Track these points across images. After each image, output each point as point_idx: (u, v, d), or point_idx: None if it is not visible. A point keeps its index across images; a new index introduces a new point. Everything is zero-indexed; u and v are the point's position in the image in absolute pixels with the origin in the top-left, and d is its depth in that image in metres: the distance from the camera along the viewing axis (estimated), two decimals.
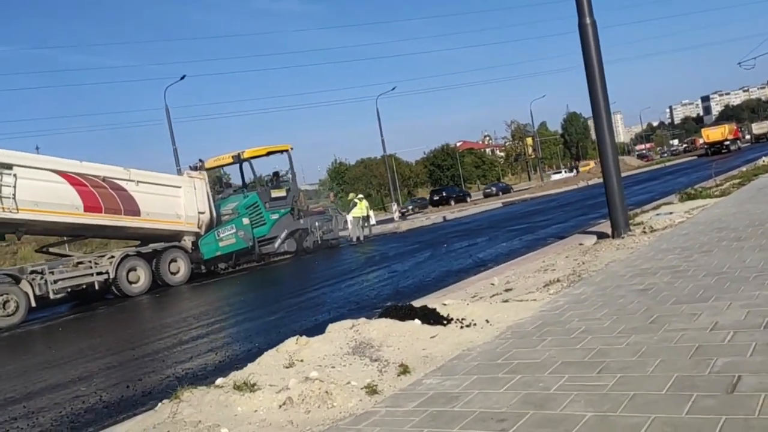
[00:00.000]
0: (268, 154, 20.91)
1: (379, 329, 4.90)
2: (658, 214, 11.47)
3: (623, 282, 5.82)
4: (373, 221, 34.12)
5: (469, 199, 53.78)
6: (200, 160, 19.12)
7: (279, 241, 19.45)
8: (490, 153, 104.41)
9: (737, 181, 16.34)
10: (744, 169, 21.21)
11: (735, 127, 56.34)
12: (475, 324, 5.02)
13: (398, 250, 17.01)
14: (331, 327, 5.18)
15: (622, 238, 9.46)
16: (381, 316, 5.33)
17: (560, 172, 75.45)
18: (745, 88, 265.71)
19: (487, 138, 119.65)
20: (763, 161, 21.76)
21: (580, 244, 10.14)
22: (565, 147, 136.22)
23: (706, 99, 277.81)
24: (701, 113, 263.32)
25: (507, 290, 7.11)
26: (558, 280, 6.73)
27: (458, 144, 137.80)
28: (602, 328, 4.26)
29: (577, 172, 60.90)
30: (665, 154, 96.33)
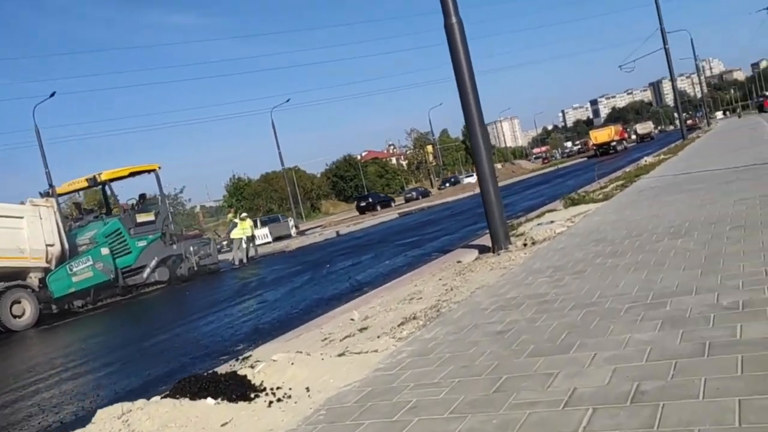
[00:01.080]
0: (132, 174, 18.90)
1: (156, 417, 3.65)
2: (539, 224, 10.83)
3: (482, 319, 4.87)
4: (268, 239, 32.62)
5: (393, 204, 53.56)
6: (50, 185, 16.99)
7: (148, 270, 17.59)
8: (394, 162, 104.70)
9: (621, 182, 16.21)
10: (628, 169, 21.43)
11: (621, 128, 58.80)
12: (289, 396, 3.88)
13: (279, 273, 15.73)
14: (98, 415, 3.89)
15: (498, 255, 8.67)
16: (172, 391, 4.08)
17: (472, 175, 76.06)
18: (629, 91, 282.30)
19: (392, 147, 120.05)
20: (645, 161, 22.09)
21: (458, 262, 9.29)
22: (467, 153, 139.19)
23: (594, 102, 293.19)
24: (591, 116, 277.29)
25: (362, 329, 6.06)
26: (415, 317, 5.73)
27: (364, 154, 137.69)
28: (435, 403, 3.22)
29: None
30: (561, 156, 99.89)
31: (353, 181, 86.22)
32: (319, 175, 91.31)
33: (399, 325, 5.64)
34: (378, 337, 5.49)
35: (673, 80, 36.36)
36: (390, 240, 18.37)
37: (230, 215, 23.40)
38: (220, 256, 20.97)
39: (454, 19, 9.60)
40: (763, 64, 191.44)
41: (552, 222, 10.69)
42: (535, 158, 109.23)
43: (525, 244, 9.76)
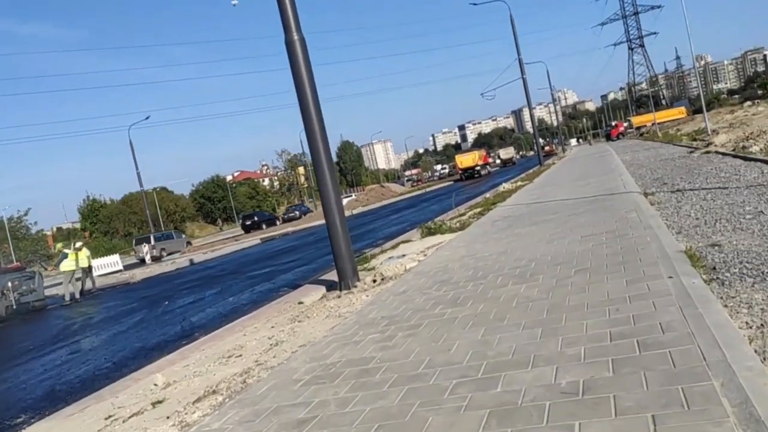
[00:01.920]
0: None
1: None
2: (390, 258, 10.15)
3: (287, 399, 3.94)
4: (118, 266, 29.85)
5: (278, 222, 51.92)
6: None
7: None
8: (268, 182, 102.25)
9: (479, 210, 16.06)
10: (488, 195, 21.59)
11: (484, 153, 60.83)
12: None
13: (110, 312, 13.96)
14: None
15: (339, 297, 7.82)
16: None
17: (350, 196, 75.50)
18: (494, 117, 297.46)
19: (265, 167, 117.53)
20: (503, 187, 22.39)
21: (300, 303, 8.37)
22: (341, 175, 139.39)
23: (462, 127, 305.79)
24: (459, 140, 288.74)
25: (158, 402, 4.97)
26: (216, 390, 4.69)
27: (236, 174, 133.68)
28: None
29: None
30: (436, 178, 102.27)
31: (222, 203, 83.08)
32: (187, 196, 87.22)
33: (195, 402, 4.58)
34: (167, 417, 4.42)
35: (530, 109, 37.97)
36: (243, 271, 17.07)
37: (59, 245, 20.81)
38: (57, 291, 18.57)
39: (295, 36, 8.79)
40: (610, 96, 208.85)
41: (404, 256, 10.04)
42: (407, 180, 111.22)
43: (374, 281, 9.04)
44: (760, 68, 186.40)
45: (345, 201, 54.87)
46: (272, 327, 7.05)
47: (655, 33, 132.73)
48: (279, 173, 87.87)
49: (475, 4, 38.27)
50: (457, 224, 13.44)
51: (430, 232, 12.81)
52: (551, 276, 5.72)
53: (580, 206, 10.80)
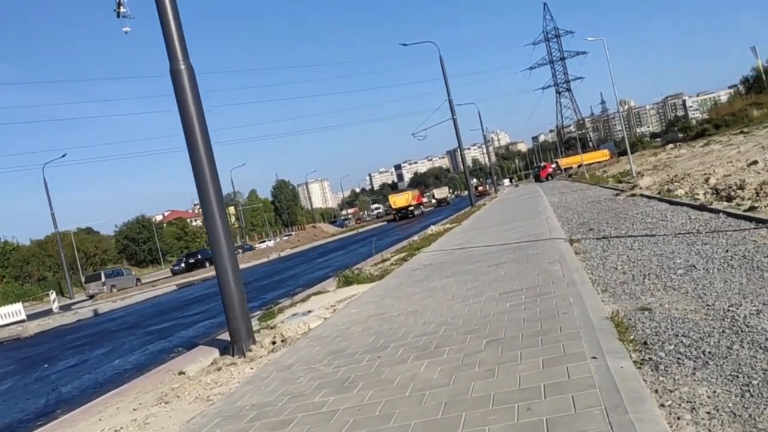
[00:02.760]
0: None
1: None
2: (295, 315, 9.05)
3: None
4: (21, 316, 27.39)
5: (207, 264, 47.97)
6: None
7: None
8: (199, 223, 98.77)
9: (403, 254, 15.18)
10: (416, 238, 20.80)
11: (417, 193, 60.57)
12: None
13: None
14: None
15: (227, 366, 6.66)
16: None
17: (264, 242, 73.74)
18: (429, 158, 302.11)
19: (197, 207, 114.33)
20: (431, 230, 21.68)
21: (181, 372, 7.15)
22: (276, 214, 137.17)
23: (398, 167, 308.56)
24: (395, 179, 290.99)
25: None
26: None
27: (167, 214, 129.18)
28: None
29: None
30: (374, 217, 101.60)
31: (147, 244, 79.62)
32: (113, 237, 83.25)
33: None
34: None
35: (460, 149, 37.86)
36: (143, 325, 15.51)
37: None
38: None
39: (182, 65, 7.81)
40: (541, 138, 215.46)
41: (309, 312, 8.96)
42: (344, 219, 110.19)
43: (274, 342, 7.98)
44: (680, 112, 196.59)
45: (272, 243, 53.17)
46: (134, 409, 5.83)
47: (581, 78, 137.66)
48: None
49: (404, 45, 38.23)
50: (377, 272, 12.49)
51: (347, 282, 11.81)
52: (459, 349, 4.77)
53: (503, 254, 10.02)
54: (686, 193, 14.31)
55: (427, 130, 40.89)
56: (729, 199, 11.03)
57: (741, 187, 11.28)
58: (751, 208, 9.11)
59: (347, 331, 6.63)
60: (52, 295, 31.92)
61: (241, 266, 28.98)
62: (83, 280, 42.28)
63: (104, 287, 37.82)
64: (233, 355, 7.58)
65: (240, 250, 53.83)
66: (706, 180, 14.98)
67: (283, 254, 38.65)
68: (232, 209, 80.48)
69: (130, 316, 19.22)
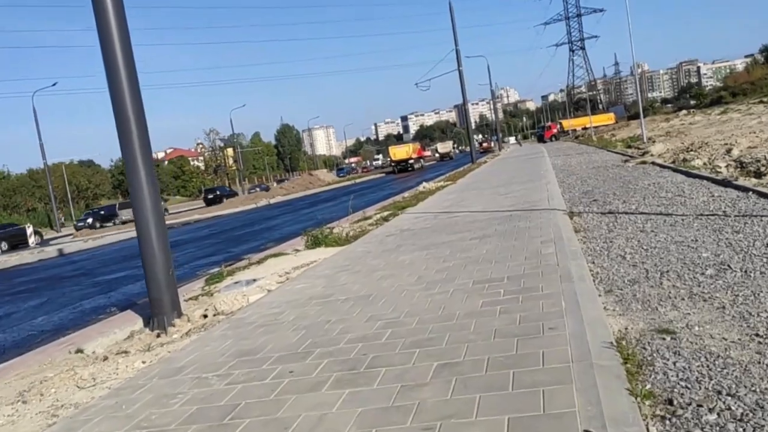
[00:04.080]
0: None
1: None
2: (237, 282, 7.68)
3: None
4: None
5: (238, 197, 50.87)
6: None
7: None
8: (201, 163, 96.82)
9: (387, 213, 13.74)
10: (407, 195, 19.34)
11: (419, 147, 58.72)
12: None
13: None
14: None
15: (129, 352, 5.29)
16: None
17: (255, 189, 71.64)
18: (437, 111, 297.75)
19: (200, 146, 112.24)
20: (423, 186, 20.18)
21: (78, 351, 5.82)
22: (278, 158, 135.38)
23: (405, 118, 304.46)
24: (401, 131, 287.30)
25: None
26: None
27: (169, 151, 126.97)
28: None
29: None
30: (369, 168, 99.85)
31: None
32: (109, 171, 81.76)
33: None
34: None
35: (464, 101, 35.96)
36: (97, 272, 14.19)
37: None
38: None
39: None
40: (551, 97, 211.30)
41: (254, 281, 7.57)
42: (351, 167, 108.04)
43: (205, 316, 6.69)
44: (694, 80, 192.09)
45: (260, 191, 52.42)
46: (19, 397, 4.48)
47: (596, 36, 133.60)
48: (206, 153, 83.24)
49: None
50: (351, 233, 11.07)
51: (315, 243, 10.42)
52: (397, 375, 3.35)
53: (491, 225, 8.55)
54: (705, 164, 12.73)
55: (431, 80, 39.01)
56: (759, 175, 9.48)
57: None
58: None
59: (277, 319, 5.21)
60: (29, 229, 30.63)
61: (228, 211, 27.88)
62: (117, 205, 46.64)
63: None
64: (152, 329, 6.28)
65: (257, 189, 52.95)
66: (728, 151, 13.38)
67: (272, 201, 37.21)
68: (230, 151, 78.57)
69: (91, 260, 17.90)
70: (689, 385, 2.78)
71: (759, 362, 2.93)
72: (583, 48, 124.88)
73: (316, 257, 8.95)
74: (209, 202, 48.93)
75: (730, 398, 2.60)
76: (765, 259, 4.78)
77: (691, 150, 15.51)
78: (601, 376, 2.87)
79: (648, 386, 2.82)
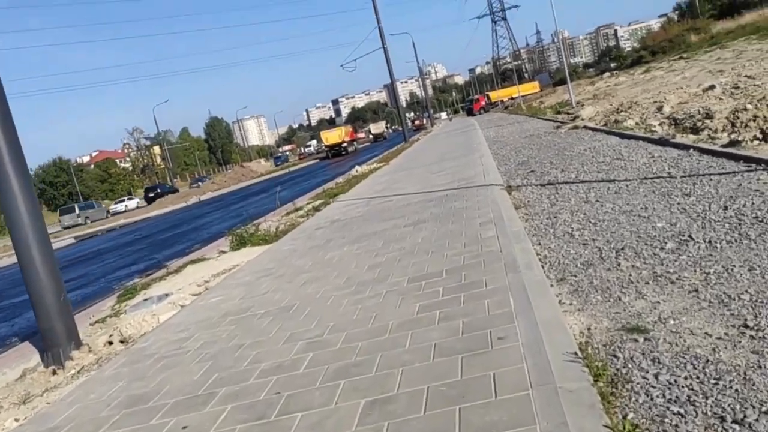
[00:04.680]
0: None
1: None
2: (147, 299, 6.78)
3: None
4: None
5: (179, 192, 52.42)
6: None
7: None
8: (128, 165, 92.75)
9: (317, 203, 12.94)
10: (340, 180, 18.54)
11: (350, 129, 57.80)
12: None
13: None
14: None
15: (29, 396, 4.38)
16: None
17: (199, 182, 69.29)
18: (367, 92, 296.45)
19: (127, 147, 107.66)
20: (356, 170, 19.43)
21: None
22: (210, 152, 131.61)
23: (336, 102, 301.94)
24: (333, 115, 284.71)
25: None
26: None
27: (94, 154, 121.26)
28: None
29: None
30: (303, 155, 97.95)
31: (66, 188, 74.43)
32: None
33: None
34: None
35: (392, 80, 35.24)
36: (7, 293, 12.86)
37: None
38: None
39: None
40: (477, 70, 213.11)
41: (167, 296, 6.69)
42: (286, 155, 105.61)
43: (111, 342, 5.80)
44: (612, 43, 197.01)
45: (132, 203, 50.95)
46: None
47: (516, 6, 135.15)
48: (131, 153, 79.82)
49: None
50: (280, 227, 10.24)
51: (240, 243, 9.57)
52: (315, 420, 2.64)
53: (425, 208, 7.91)
54: (638, 124, 12.47)
55: (356, 60, 37.94)
56: (695, 130, 9.17)
57: (708, 116, 9.43)
58: (733, 143, 7.22)
59: (182, 347, 4.40)
60: (67, 218, 29.05)
61: (156, 212, 26.33)
62: (58, 212, 45.73)
63: (78, 218, 40.64)
64: (46, 366, 5.36)
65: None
66: (659, 109, 13.17)
67: (203, 198, 35.70)
68: (157, 149, 75.60)
69: (5, 278, 16.39)
70: (682, 410, 2.17)
71: (759, 366, 2.35)
72: (504, 18, 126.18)
73: (239, 260, 8.12)
74: (150, 200, 49.32)
75: (738, 428, 1.99)
76: (727, 225, 4.28)
77: (621, 111, 15.30)
78: (571, 409, 2.22)
79: (630, 415, 2.19)
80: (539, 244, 5.02)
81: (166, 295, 6.76)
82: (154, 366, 4.09)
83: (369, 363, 3.14)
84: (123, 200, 53.70)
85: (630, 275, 3.74)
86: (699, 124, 9.27)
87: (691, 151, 7.76)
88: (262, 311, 4.81)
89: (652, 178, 6.68)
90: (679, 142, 8.53)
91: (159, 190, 52.59)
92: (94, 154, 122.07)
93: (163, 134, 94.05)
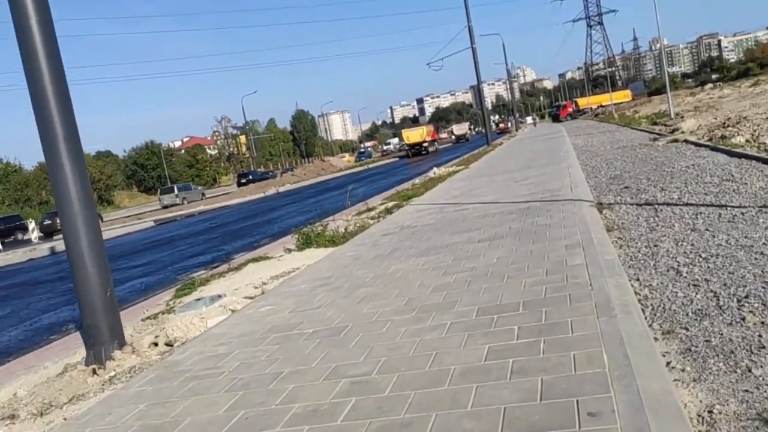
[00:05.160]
0: None
1: None
2: (199, 299, 6.44)
3: None
4: None
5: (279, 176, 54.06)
6: None
7: None
8: (215, 152, 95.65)
9: (390, 205, 12.42)
10: (417, 181, 17.97)
11: (432, 129, 56.98)
12: None
13: None
14: None
15: (49, 405, 4.08)
16: None
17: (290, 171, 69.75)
18: (453, 92, 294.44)
19: (216, 134, 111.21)
20: (434, 172, 18.79)
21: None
22: (294, 144, 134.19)
23: (420, 101, 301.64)
24: (417, 113, 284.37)
25: None
26: None
27: (186, 140, 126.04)
28: None
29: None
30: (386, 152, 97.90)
31: (156, 171, 77.40)
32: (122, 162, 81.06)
33: None
34: None
35: (478, 80, 34.29)
36: (48, 282, 12.95)
37: None
38: None
39: None
40: (568, 75, 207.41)
41: (219, 297, 6.31)
42: (360, 153, 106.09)
43: (155, 344, 5.49)
44: (714, 53, 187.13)
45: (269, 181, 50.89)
46: None
47: (614, 11, 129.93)
48: (218, 141, 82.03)
49: None
50: (349, 228, 9.76)
51: (306, 242, 9.18)
52: None
53: (504, 221, 7.20)
54: (749, 141, 11.21)
55: (443, 59, 37.29)
56: None
57: None
58: None
59: (217, 366, 3.93)
60: (31, 225, 29.76)
61: (232, 202, 26.65)
62: (159, 191, 48.88)
63: (176, 198, 43.46)
64: (87, 365, 5.09)
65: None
66: None
67: (282, 190, 35.96)
68: (242, 138, 77.42)
69: (38, 271, 16.73)
70: None
71: None
72: (600, 23, 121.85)
73: (300, 262, 7.68)
74: (242, 186, 51.27)
75: None
76: None
77: (729, 125, 13.94)
78: None
79: None
80: (637, 279, 4.25)
81: (219, 296, 6.38)
82: (181, 388, 3.63)
83: (420, 425, 2.52)
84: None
85: (761, 336, 2.94)
86: None
87: None
88: (310, 330, 4.28)
89: None
90: None
91: (251, 177, 54.05)
92: (185, 140, 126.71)
93: (250, 124, 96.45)
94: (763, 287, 3.61)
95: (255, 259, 8.58)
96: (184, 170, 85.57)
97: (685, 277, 4.09)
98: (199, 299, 6.43)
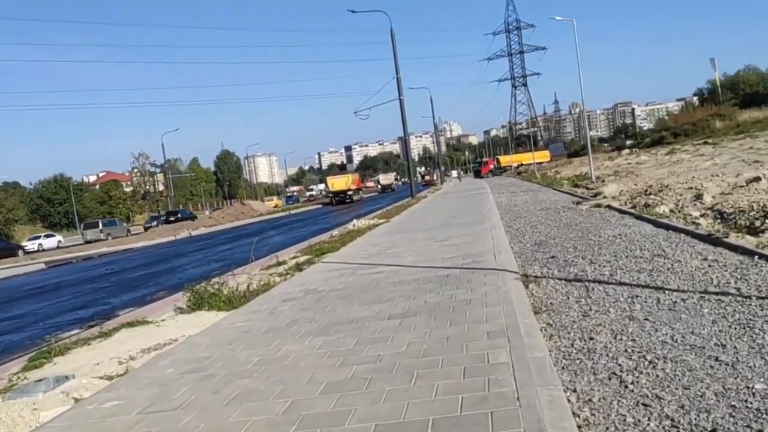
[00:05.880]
0: None
1: None
2: (41, 380, 5.17)
3: None
4: None
5: (195, 220, 49.84)
6: None
7: None
8: (129, 189, 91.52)
9: (303, 259, 11.41)
10: (335, 233, 17.04)
11: (357, 177, 56.52)
12: None
13: None
14: None
15: None
16: None
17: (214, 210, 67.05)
18: (381, 142, 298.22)
19: (135, 170, 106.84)
20: (354, 224, 17.91)
21: None
22: (218, 185, 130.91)
23: (348, 148, 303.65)
24: (345, 161, 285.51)
25: None
26: None
27: (101, 174, 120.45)
28: None
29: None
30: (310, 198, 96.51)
31: (63, 206, 73.04)
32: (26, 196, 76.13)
33: None
34: None
35: (405, 130, 34.05)
36: None
37: None
38: None
39: None
40: (492, 132, 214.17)
41: (66, 378, 5.09)
42: (288, 197, 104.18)
43: None
44: (628, 120, 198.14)
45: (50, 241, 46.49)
46: None
47: (538, 74, 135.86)
48: (134, 178, 78.59)
49: (353, 12, 34.10)
50: (251, 286, 8.67)
51: (197, 302, 8.04)
52: None
53: (420, 292, 6.34)
54: (672, 211, 10.96)
55: (371, 109, 37.03)
56: (753, 231, 7.62)
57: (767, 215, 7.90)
58: None
59: None
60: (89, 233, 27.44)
61: (138, 245, 24.65)
62: (82, 226, 47.94)
63: (101, 234, 42.50)
64: None
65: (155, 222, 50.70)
66: (697, 197, 11.68)
67: (194, 233, 34.13)
68: (160, 176, 74.54)
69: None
70: None
71: None
72: (525, 84, 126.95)
73: (180, 332, 6.55)
74: (170, 224, 49.85)
75: None
76: None
77: (651, 193, 13.83)
78: None
79: None
80: (574, 390, 3.42)
81: (67, 377, 5.16)
82: None
83: None
84: (39, 237, 47.20)
85: None
86: (758, 223, 7.73)
87: (757, 258, 6.20)
88: None
89: (715, 293, 5.11)
90: (736, 244, 6.97)
91: (179, 215, 52.91)
92: (101, 174, 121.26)
93: (172, 162, 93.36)
94: (731, 417, 2.84)
95: (131, 324, 7.34)
96: (95, 207, 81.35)
97: (632, 390, 3.30)
98: (41, 380, 5.17)
